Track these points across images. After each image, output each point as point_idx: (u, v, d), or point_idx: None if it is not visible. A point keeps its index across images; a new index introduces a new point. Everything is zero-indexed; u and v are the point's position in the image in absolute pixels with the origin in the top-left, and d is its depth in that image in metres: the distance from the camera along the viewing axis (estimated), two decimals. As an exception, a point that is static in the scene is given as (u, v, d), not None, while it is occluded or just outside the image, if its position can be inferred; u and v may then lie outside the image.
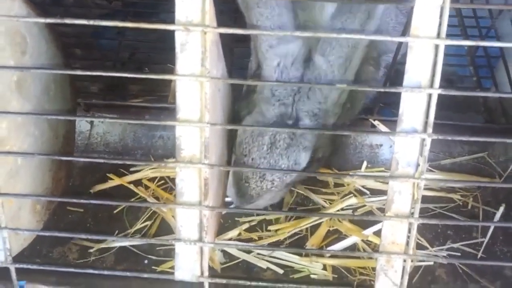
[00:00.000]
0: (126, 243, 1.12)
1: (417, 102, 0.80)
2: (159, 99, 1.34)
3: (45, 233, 0.94)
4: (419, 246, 1.16)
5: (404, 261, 0.88)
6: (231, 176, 1.07)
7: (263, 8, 0.99)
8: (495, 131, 1.30)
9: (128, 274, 0.92)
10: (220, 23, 0.81)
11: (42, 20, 0.86)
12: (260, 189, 1.05)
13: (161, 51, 1.43)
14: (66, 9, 1.67)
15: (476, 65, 1.45)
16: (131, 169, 1.24)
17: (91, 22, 0.78)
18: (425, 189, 1.24)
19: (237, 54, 1.38)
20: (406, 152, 0.83)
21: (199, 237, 0.88)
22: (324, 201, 1.22)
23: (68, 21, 0.80)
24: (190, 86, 0.81)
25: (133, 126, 1.27)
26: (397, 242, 0.88)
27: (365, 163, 1.25)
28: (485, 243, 1.16)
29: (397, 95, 0.79)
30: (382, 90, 0.94)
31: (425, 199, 1.23)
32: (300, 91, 1.03)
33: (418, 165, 0.83)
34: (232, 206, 1.11)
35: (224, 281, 0.93)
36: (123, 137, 1.26)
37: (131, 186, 1.20)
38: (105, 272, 0.93)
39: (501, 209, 1.17)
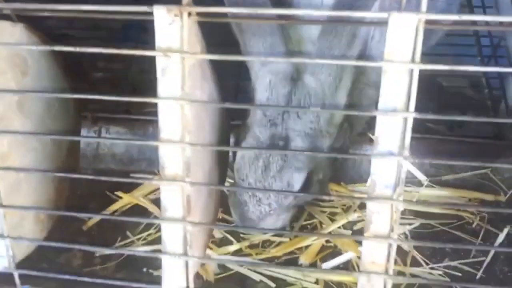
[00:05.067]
0: (113, 251, 1.16)
1: (392, 125, 0.80)
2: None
3: (43, 243, 1.01)
4: (416, 263, 1.15)
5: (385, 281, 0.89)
6: (231, 200, 1.11)
7: (255, 28, 1.02)
8: (504, 146, 1.27)
9: (117, 283, 0.97)
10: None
11: (45, 48, 0.92)
12: (259, 213, 1.07)
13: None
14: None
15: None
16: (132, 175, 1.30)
17: (77, 49, 0.83)
18: (429, 205, 1.24)
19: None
20: (383, 174, 0.83)
21: (184, 251, 0.91)
22: (328, 217, 1.23)
23: (57, 48, 0.86)
24: (171, 108, 0.85)
25: (138, 138, 1.33)
26: (376, 262, 0.88)
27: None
28: (485, 263, 1.13)
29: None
30: (356, 113, 0.94)
31: (428, 216, 1.23)
32: (290, 110, 1.04)
33: (396, 186, 0.83)
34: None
35: (210, 293, 0.96)
36: (128, 148, 1.32)
37: (145, 202, 1.25)
38: (97, 281, 0.98)
39: (505, 230, 1.14)
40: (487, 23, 1.32)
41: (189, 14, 0.80)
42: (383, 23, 0.76)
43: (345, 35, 0.96)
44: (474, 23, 1.25)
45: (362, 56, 1.05)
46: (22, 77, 0.97)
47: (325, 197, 1.19)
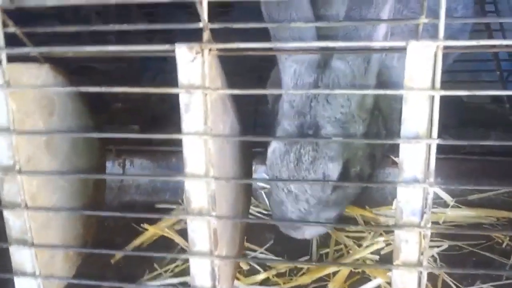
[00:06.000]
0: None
1: (416, 152, 0.80)
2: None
3: (74, 281, 1.02)
4: (447, 286, 1.13)
5: (418, 308, 0.87)
6: (271, 202, 1.09)
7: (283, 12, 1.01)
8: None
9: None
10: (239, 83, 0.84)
11: (71, 89, 0.95)
12: (299, 212, 1.03)
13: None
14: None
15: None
16: (158, 206, 1.32)
17: (103, 90, 0.86)
18: (455, 225, 1.23)
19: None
20: (410, 201, 0.83)
21: (212, 285, 0.91)
22: (354, 242, 1.22)
23: (83, 89, 0.89)
24: (195, 143, 0.86)
25: (161, 169, 1.35)
26: (408, 290, 0.87)
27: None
28: (518, 284, 1.10)
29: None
30: (379, 142, 0.94)
31: (456, 237, 1.20)
32: (318, 96, 1.02)
33: (423, 213, 0.83)
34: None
35: (240, 327, 0.95)
36: (152, 180, 1.33)
37: (170, 233, 1.27)
38: (127, 317, 0.99)
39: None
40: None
41: (210, 50, 0.82)
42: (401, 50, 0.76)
43: (370, 17, 0.94)
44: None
45: (382, 76, 1.05)
46: (49, 117, 1.00)
47: (352, 227, 1.18)
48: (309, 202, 1.02)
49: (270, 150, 1.06)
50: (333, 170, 1.01)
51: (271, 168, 1.05)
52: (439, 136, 0.72)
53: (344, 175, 1.03)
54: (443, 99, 0.78)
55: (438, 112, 0.75)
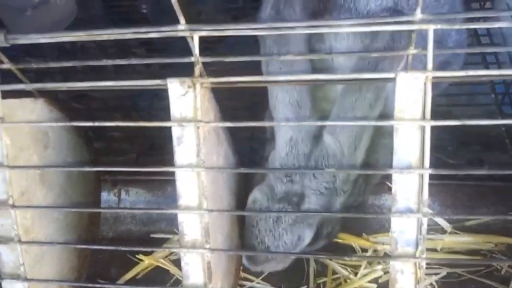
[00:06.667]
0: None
1: (409, 182, 0.80)
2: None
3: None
4: (446, 315, 1.11)
5: None
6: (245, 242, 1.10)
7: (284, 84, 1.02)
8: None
9: None
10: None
11: (65, 124, 0.96)
12: (265, 257, 1.07)
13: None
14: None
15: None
16: (152, 235, 1.31)
17: (96, 124, 0.86)
18: (454, 252, 1.22)
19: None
20: (404, 231, 0.82)
21: (208, 319, 0.90)
22: (348, 271, 1.21)
23: (75, 123, 0.89)
24: (188, 176, 0.86)
25: (157, 198, 1.35)
26: (405, 321, 0.85)
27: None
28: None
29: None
30: (371, 172, 0.94)
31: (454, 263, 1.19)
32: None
33: (418, 243, 0.82)
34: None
35: None
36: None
37: (166, 264, 1.26)
38: None
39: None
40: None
41: (202, 84, 0.83)
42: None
43: (368, 97, 0.96)
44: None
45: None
46: (44, 150, 1.00)
47: (347, 258, 1.17)
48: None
49: (251, 198, 1.07)
50: (309, 235, 1.06)
51: (250, 216, 1.07)
52: (434, 157, 0.73)
53: (316, 236, 1.07)
54: (441, 118, 0.79)
55: (435, 133, 0.76)
